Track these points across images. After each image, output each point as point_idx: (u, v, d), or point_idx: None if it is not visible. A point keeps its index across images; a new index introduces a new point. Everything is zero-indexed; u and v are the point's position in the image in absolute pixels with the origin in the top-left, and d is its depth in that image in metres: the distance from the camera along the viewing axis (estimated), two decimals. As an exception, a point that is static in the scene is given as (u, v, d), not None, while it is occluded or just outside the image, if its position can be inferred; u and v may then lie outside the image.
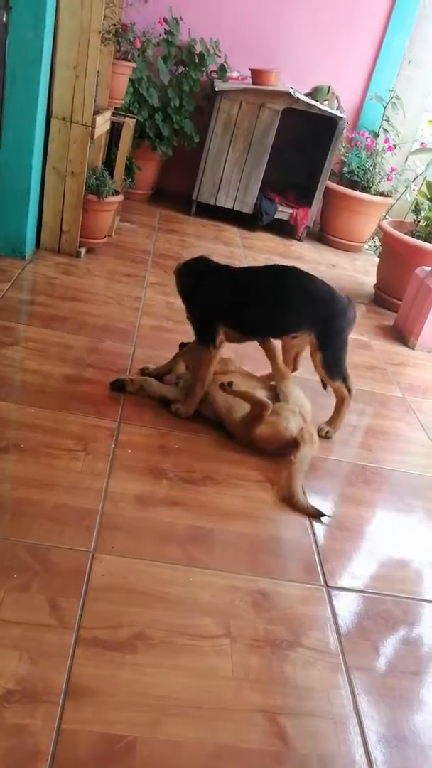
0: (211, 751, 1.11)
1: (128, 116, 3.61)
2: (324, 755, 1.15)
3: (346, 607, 1.50)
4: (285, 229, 4.60)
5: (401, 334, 3.32)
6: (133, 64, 3.42)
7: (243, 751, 1.13)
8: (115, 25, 2.87)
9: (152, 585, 1.41)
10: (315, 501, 1.86)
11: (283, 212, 4.51)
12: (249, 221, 4.51)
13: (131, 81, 3.76)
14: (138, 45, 3.34)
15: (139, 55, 3.53)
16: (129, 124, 3.50)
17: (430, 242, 3.53)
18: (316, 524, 1.76)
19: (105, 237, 3.36)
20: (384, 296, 3.73)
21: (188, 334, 2.71)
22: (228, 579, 1.49)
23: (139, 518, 1.60)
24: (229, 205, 4.43)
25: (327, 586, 1.55)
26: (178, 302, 2.99)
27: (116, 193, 3.24)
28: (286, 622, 1.41)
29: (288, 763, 1.13)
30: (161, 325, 2.74)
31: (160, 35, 4.00)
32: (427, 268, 3.28)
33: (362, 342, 3.16)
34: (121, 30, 2.94)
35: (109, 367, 2.28)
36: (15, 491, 1.58)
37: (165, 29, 4.03)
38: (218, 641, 1.32)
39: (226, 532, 1.64)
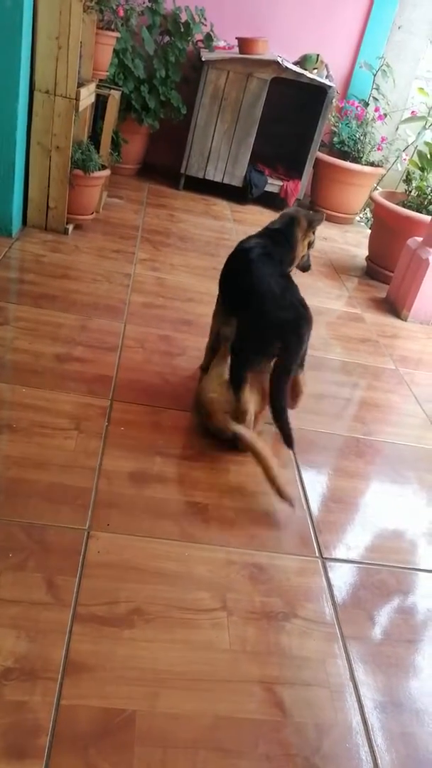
0: (209, 723, 1.13)
1: (113, 88, 3.53)
2: (321, 723, 1.17)
3: (342, 577, 1.52)
4: (275, 202, 4.54)
5: (393, 306, 3.31)
6: (117, 34, 3.33)
7: (241, 722, 1.14)
8: (97, -8, 2.79)
9: (148, 561, 1.42)
10: (309, 474, 1.87)
11: (273, 185, 4.46)
12: (239, 194, 4.45)
13: (116, 52, 3.67)
14: (121, 14, 3.24)
15: (122, 25, 3.44)
16: (114, 96, 3.42)
17: (421, 212, 3.50)
18: (310, 497, 1.77)
19: (93, 213, 3.31)
20: (376, 268, 3.71)
21: (181, 311, 2.70)
22: (223, 553, 1.49)
23: (133, 495, 1.60)
24: (218, 179, 4.37)
25: (322, 557, 1.56)
26: (169, 278, 2.99)
27: (103, 167, 3.18)
28: (282, 594, 1.42)
29: (285, 731, 1.14)
30: (152, 301, 2.71)
31: (143, 3, 3.90)
32: (419, 239, 3.25)
33: (355, 314, 3.15)
34: (103, -2, 2.86)
35: (100, 345, 2.26)
36: (8, 471, 1.58)
37: (149, -3, 3.93)
38: (215, 614, 1.33)
39: (221, 507, 1.65)
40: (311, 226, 2.13)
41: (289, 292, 1.89)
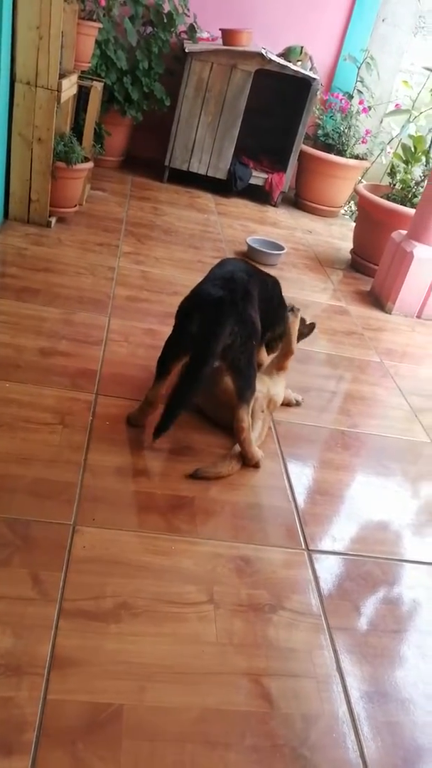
0: (197, 716, 1.13)
1: (96, 80, 3.50)
2: (308, 714, 1.18)
3: (328, 569, 1.52)
4: (260, 195, 4.54)
5: (378, 299, 3.32)
6: (99, 25, 3.29)
7: (229, 714, 1.14)
8: (77, -19, 2.75)
9: (134, 555, 1.41)
10: (294, 467, 1.87)
11: (257, 177, 4.45)
12: (223, 187, 4.44)
13: (98, 43, 3.62)
14: (103, 3, 3.20)
15: (104, 15, 3.40)
16: (97, 87, 3.39)
17: (405, 205, 3.51)
18: (296, 490, 1.77)
19: (76, 206, 3.28)
20: (360, 261, 3.72)
21: (165, 304, 2.68)
22: (210, 546, 1.49)
23: (119, 490, 1.60)
24: (202, 171, 4.35)
25: (308, 549, 1.57)
26: (153, 271, 2.97)
27: (86, 159, 3.15)
28: (268, 587, 1.42)
29: (272, 723, 1.15)
30: (136, 295, 2.70)
31: (125, -8, 3.86)
32: (403, 232, 3.26)
33: (339, 308, 3.16)
34: (84, -13, 2.82)
35: (84, 339, 2.25)
36: (-8, 467, 1.56)
37: (131, -13, 3.89)
38: (201, 608, 1.33)
39: (207, 500, 1.64)
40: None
41: (238, 281, 1.71)
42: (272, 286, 2.06)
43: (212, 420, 1.95)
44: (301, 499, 1.74)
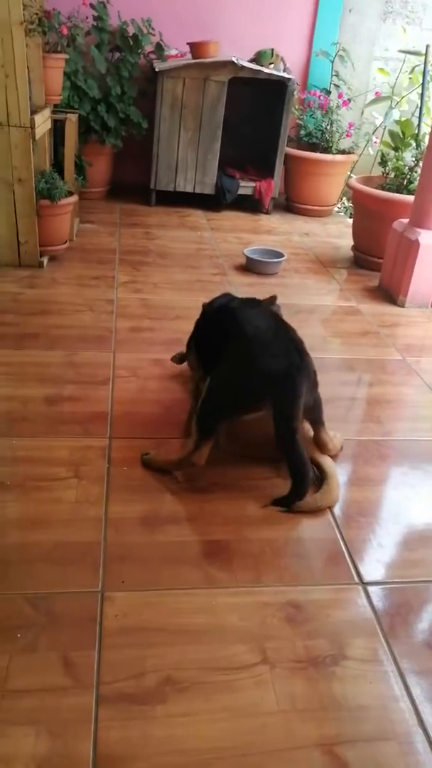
0: (268, 803, 0.98)
1: (69, 112, 3.42)
2: (394, 783, 1.02)
3: (387, 603, 1.37)
4: (251, 204, 4.42)
5: (388, 293, 3.17)
6: (65, 56, 3.21)
7: (304, 796, 0.99)
8: (37, 13, 2.67)
9: (172, 618, 1.27)
10: (332, 489, 1.72)
11: (245, 187, 4.34)
12: (212, 202, 4.33)
13: (66, 74, 3.55)
14: (65, 32, 3.12)
15: (68, 45, 3.33)
16: (71, 119, 3.30)
17: (402, 193, 3.37)
18: (337, 515, 1.62)
19: (66, 242, 3.18)
20: (364, 257, 3.58)
21: (169, 330, 2.56)
22: (254, 595, 1.35)
23: (146, 543, 1.46)
24: (189, 189, 4.25)
25: (362, 582, 1.41)
26: (154, 299, 2.86)
27: (70, 193, 3.06)
28: (326, 634, 1.27)
29: (356, 800, 1.00)
30: (138, 325, 2.58)
31: (87, 19, 3.79)
32: (405, 221, 3.12)
33: (350, 308, 3.02)
34: (44, 18, 2.74)
35: (91, 380, 2.12)
36: (5, 537, 1.43)
37: (93, 15, 3.82)
38: (255, 670, 1.18)
39: (243, 541, 1.50)
40: None
41: (281, 334, 1.66)
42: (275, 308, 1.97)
43: (238, 453, 1.80)
44: (344, 525, 1.59)
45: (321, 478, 1.70)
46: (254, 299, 1.91)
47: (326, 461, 1.76)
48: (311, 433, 1.81)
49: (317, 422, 1.78)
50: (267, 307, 1.87)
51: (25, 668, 1.14)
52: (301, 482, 1.60)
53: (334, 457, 1.83)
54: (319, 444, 1.81)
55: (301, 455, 1.61)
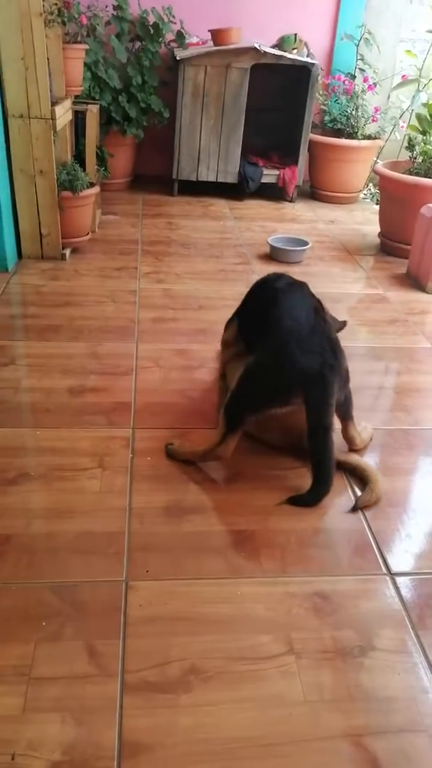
0: (295, 795, 0.96)
1: (90, 102, 3.41)
2: (424, 776, 1.00)
3: (416, 593, 1.34)
4: (275, 193, 4.37)
5: (417, 280, 3.11)
6: (85, 46, 3.20)
7: (332, 788, 0.98)
8: (56, 3, 2.66)
9: (197, 607, 1.26)
10: (359, 479, 1.69)
11: (269, 175, 4.28)
12: (235, 191, 4.29)
13: (87, 65, 3.54)
14: (85, 22, 3.11)
15: (89, 35, 3.31)
16: (92, 110, 3.29)
17: (430, 177, 3.29)
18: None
19: (88, 233, 3.18)
20: (391, 243, 3.51)
21: (193, 320, 2.55)
22: (280, 585, 1.33)
23: (170, 533, 1.45)
24: (212, 178, 4.21)
25: (390, 573, 1.38)
26: (176, 288, 2.84)
27: (91, 185, 3.06)
28: (353, 624, 1.25)
29: (385, 793, 0.97)
30: (162, 315, 2.57)
31: (106, 8, 3.77)
32: (433, 206, 3.05)
33: (377, 296, 2.96)
34: (63, 8, 2.73)
35: (114, 371, 2.12)
36: (30, 527, 1.44)
37: (113, 4, 3.80)
38: (281, 660, 1.16)
39: (269, 531, 1.48)
40: None
41: (318, 330, 1.64)
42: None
43: (264, 443, 1.78)
44: (371, 515, 1.56)
45: (358, 475, 1.67)
46: (301, 284, 1.86)
47: (359, 460, 1.72)
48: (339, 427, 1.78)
49: (346, 417, 1.75)
50: (311, 296, 1.82)
51: (50, 657, 1.14)
52: (323, 482, 1.57)
53: (361, 450, 1.80)
54: (347, 439, 1.78)
55: (330, 455, 1.57)
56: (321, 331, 1.65)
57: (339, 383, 1.62)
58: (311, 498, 1.57)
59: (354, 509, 1.56)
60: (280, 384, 1.59)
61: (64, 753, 0.99)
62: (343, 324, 2.07)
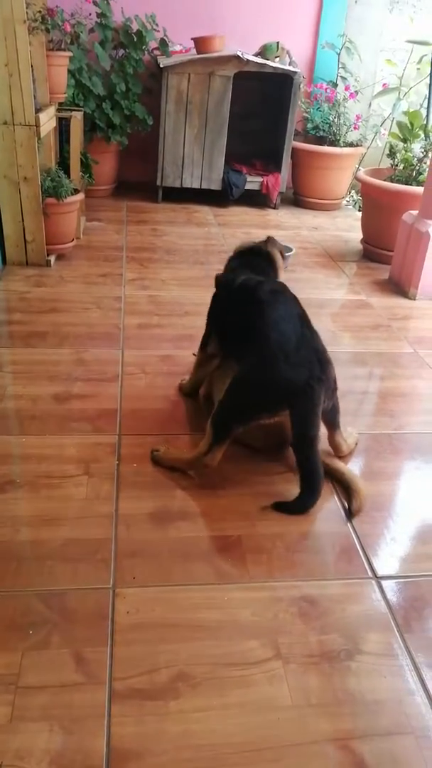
0: (283, 799, 0.97)
1: (74, 109, 3.41)
2: (411, 778, 1.01)
3: (402, 597, 1.35)
4: (258, 199, 4.40)
5: (399, 286, 3.15)
6: (69, 54, 3.21)
7: (320, 791, 0.98)
8: (40, 11, 2.66)
9: (184, 613, 1.26)
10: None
11: (252, 182, 4.32)
12: (219, 198, 4.31)
13: (71, 72, 3.55)
14: (68, 29, 3.12)
15: (72, 43, 3.32)
16: (76, 117, 3.30)
17: (411, 185, 3.34)
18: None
19: (73, 240, 3.18)
20: (373, 250, 3.55)
21: (178, 327, 2.55)
22: (267, 590, 1.34)
23: (157, 539, 1.45)
24: (196, 185, 4.23)
25: (376, 577, 1.40)
26: (161, 294, 2.85)
27: (76, 191, 3.06)
28: (340, 629, 1.26)
29: (373, 795, 0.98)
30: (147, 322, 2.57)
31: (90, 15, 3.78)
32: (414, 212, 3.09)
33: (360, 301, 2.99)
34: (47, 16, 2.73)
35: (100, 377, 2.12)
36: (17, 534, 1.43)
37: (97, 12, 3.81)
38: (268, 665, 1.17)
39: (255, 536, 1.49)
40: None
41: (305, 343, 1.63)
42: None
43: (245, 444, 1.79)
44: (357, 520, 1.57)
45: (343, 484, 1.68)
46: (283, 289, 1.84)
47: (343, 468, 1.73)
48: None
49: (333, 425, 1.77)
50: (295, 302, 1.81)
51: (37, 665, 1.14)
52: (311, 491, 1.59)
53: (346, 457, 1.81)
54: (333, 446, 1.80)
55: (317, 465, 1.59)
56: (308, 343, 1.65)
57: (326, 393, 1.63)
58: (299, 506, 1.58)
59: (349, 518, 1.57)
60: (267, 397, 1.60)
61: (52, 762, 0.99)
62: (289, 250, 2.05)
